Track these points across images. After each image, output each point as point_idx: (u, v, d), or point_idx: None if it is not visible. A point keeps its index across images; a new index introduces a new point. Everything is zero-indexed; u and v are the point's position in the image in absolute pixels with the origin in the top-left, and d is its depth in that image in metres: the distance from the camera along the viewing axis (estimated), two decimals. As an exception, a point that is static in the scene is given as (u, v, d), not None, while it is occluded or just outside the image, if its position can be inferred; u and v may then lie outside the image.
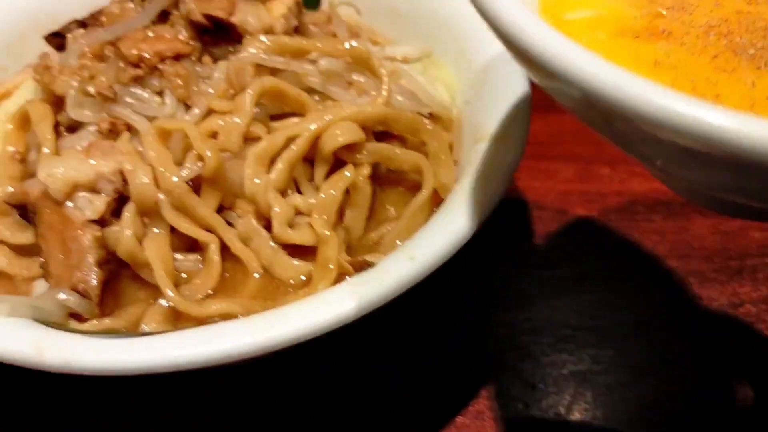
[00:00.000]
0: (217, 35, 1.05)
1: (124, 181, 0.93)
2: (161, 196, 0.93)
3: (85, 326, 0.88)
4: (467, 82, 1.14)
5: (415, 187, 1.04)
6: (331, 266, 0.92)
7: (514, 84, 1.04)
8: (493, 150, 0.96)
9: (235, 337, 0.78)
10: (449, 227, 0.85)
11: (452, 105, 1.14)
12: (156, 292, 0.94)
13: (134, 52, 1.00)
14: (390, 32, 1.27)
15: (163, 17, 1.06)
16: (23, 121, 1.06)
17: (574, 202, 1.30)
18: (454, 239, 0.85)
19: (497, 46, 1.09)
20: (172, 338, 0.79)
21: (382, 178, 1.05)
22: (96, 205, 0.92)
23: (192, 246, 0.97)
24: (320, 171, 1.02)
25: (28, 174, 1.03)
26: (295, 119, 1.03)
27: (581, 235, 1.26)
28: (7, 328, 0.80)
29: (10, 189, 0.98)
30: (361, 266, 0.87)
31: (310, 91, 1.05)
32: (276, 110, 1.05)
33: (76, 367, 0.77)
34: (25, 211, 0.97)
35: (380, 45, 1.23)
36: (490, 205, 0.89)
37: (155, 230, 0.94)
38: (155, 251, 0.92)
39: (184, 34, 1.03)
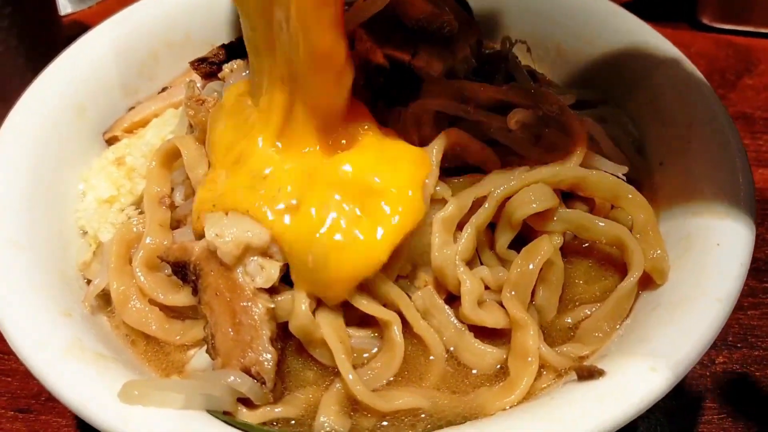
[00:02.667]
0: (392, 78, 0.93)
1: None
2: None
3: (257, 416, 0.77)
4: (660, 139, 1.01)
5: (607, 259, 0.92)
6: (531, 359, 0.80)
7: (729, 148, 0.91)
8: (721, 230, 0.83)
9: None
10: (693, 333, 0.73)
11: (642, 164, 1.01)
12: (326, 372, 0.83)
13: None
14: (558, 75, 1.14)
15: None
16: (168, 158, 0.95)
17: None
18: (700, 347, 0.72)
19: (699, 101, 0.99)
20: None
21: (566, 246, 0.93)
22: (269, 272, 0.81)
23: (363, 319, 0.85)
24: (505, 238, 0.90)
25: (176, 219, 0.93)
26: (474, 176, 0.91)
27: None
28: (186, 428, 0.68)
29: (165, 242, 0.87)
30: (587, 371, 0.74)
31: (491, 142, 0.93)
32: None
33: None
34: (179, 268, 0.86)
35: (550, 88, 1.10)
36: (730, 302, 0.76)
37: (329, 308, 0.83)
38: (331, 329, 0.81)
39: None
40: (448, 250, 0.84)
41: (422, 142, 0.90)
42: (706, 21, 1.70)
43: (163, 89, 1.11)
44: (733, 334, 1.14)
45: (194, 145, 0.92)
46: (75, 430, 1.03)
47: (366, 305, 0.82)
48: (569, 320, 0.87)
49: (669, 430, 1.02)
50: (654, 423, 1.01)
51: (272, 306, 0.80)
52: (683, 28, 1.72)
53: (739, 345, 1.13)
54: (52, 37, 1.43)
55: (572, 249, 0.93)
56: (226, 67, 0.95)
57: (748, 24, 1.67)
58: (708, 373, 1.09)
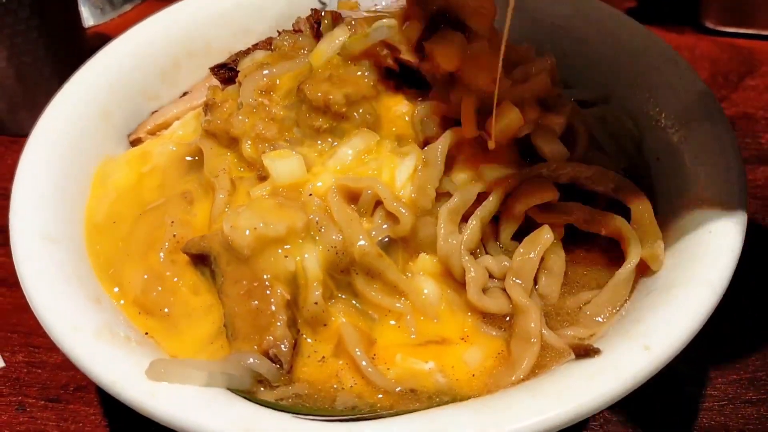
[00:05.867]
0: (402, 79, 0.98)
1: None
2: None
3: (274, 394, 0.82)
4: (656, 135, 1.05)
5: (603, 246, 0.96)
6: (534, 340, 0.84)
7: (723, 143, 0.96)
8: (713, 219, 0.87)
9: (464, 430, 0.70)
10: (686, 314, 0.77)
11: (639, 159, 1.05)
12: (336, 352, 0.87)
13: (320, 95, 0.93)
14: (562, 76, 1.18)
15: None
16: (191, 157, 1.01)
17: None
18: (692, 327, 0.76)
19: (694, 98, 1.04)
20: (396, 426, 0.72)
21: (568, 236, 0.97)
22: (286, 262, 0.86)
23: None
24: (509, 230, 0.95)
25: (193, 214, 0.98)
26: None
27: None
28: (210, 404, 0.73)
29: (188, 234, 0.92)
30: (584, 349, 0.78)
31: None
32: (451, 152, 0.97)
33: (288, 453, 0.70)
34: (201, 259, 0.91)
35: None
36: (721, 285, 0.80)
37: (342, 296, 0.88)
38: (346, 320, 0.86)
39: (369, 77, 0.96)
40: (453, 240, 0.89)
41: (427, 141, 0.95)
42: (709, 24, 1.73)
43: (184, 94, 1.17)
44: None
45: (215, 145, 0.98)
46: (102, 418, 1.08)
47: (375, 297, 0.87)
48: (571, 305, 0.91)
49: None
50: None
51: (288, 297, 0.85)
52: (687, 32, 1.76)
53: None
54: (77, 47, 1.49)
55: (574, 239, 0.97)
56: (242, 71, 1.00)
57: (751, 27, 1.71)
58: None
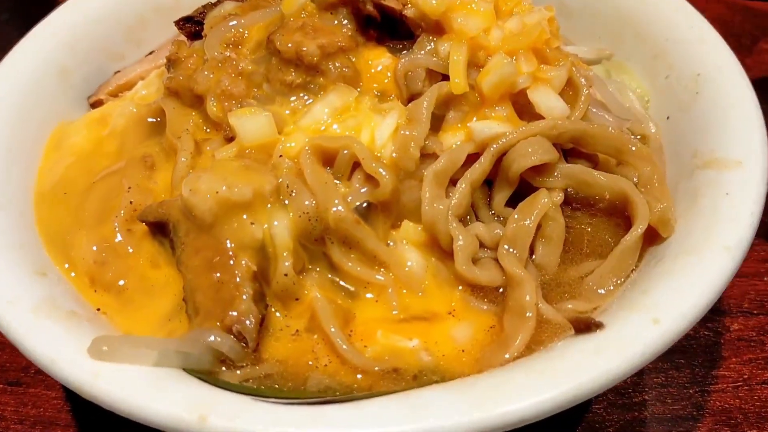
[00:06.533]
0: (383, 30, 0.89)
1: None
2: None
3: (238, 375, 0.73)
4: (666, 92, 0.96)
5: (609, 213, 0.87)
6: (529, 314, 0.75)
7: (740, 96, 0.86)
8: (730, 180, 0.78)
9: (442, 413, 0.62)
10: (699, 283, 0.68)
11: (647, 118, 0.96)
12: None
13: (290, 46, 0.84)
14: (563, 30, 1.09)
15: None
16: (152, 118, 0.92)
17: None
18: (707, 297, 0.67)
19: (707, 49, 0.94)
20: (368, 409, 0.63)
21: (569, 199, 0.88)
22: (253, 229, 0.77)
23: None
24: (502, 195, 0.86)
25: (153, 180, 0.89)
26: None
27: None
28: (159, 386, 0.65)
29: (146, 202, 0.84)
30: (584, 323, 0.70)
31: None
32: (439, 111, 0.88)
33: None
34: (160, 227, 0.82)
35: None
36: (740, 251, 0.71)
37: (316, 268, 0.79)
38: (320, 294, 0.77)
39: (347, 27, 0.87)
40: (439, 205, 0.80)
41: (412, 98, 0.86)
42: (720, -15, 1.64)
43: (150, 53, 1.08)
44: (749, 300, 1.09)
45: (177, 105, 0.89)
46: (64, 402, 1.02)
47: (353, 270, 0.79)
48: (572, 276, 0.82)
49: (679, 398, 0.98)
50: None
51: (254, 267, 0.76)
52: (698, -6, 1.67)
53: (755, 312, 1.08)
54: (45, 10, 1.41)
55: (576, 205, 0.88)
56: (207, 22, 0.91)
57: (765, -12, 1.62)
58: (722, 341, 1.04)
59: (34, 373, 1.04)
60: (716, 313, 1.07)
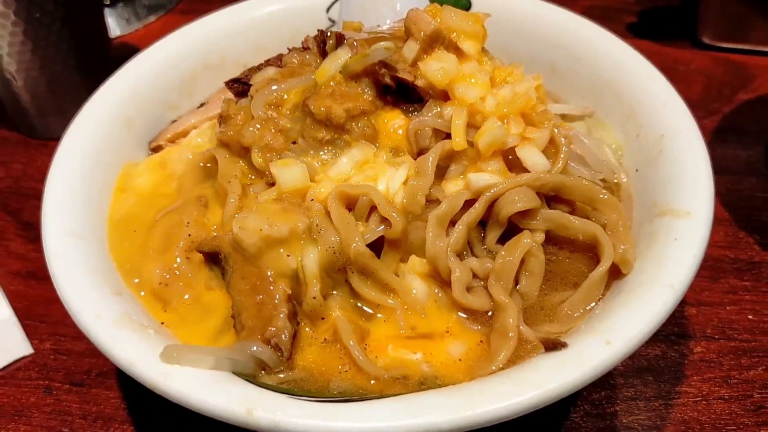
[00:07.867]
0: (398, 95, 1.07)
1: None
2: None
3: (275, 378, 0.91)
4: (636, 148, 1.13)
5: (585, 250, 1.04)
6: (511, 335, 0.92)
7: (695, 156, 1.03)
8: (680, 227, 0.95)
9: (438, 412, 0.79)
10: (646, 313, 0.85)
11: (620, 170, 1.13)
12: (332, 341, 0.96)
13: (323, 110, 1.02)
14: (552, 90, 1.27)
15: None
16: (205, 164, 1.11)
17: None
18: (651, 325, 0.84)
19: (671, 114, 1.12)
20: (379, 407, 0.80)
21: (552, 238, 1.05)
22: (288, 260, 0.95)
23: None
24: (493, 234, 1.03)
25: (207, 217, 1.07)
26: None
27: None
28: (215, 385, 0.83)
29: (202, 235, 1.02)
30: (552, 343, 0.87)
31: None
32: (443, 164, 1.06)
33: (284, 429, 0.79)
34: (213, 256, 1.01)
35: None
36: (682, 288, 0.88)
37: (338, 293, 0.97)
38: (342, 314, 0.95)
39: (369, 93, 1.05)
40: (440, 242, 0.98)
41: (420, 152, 1.04)
42: (706, 40, 1.81)
43: (201, 105, 1.27)
44: (711, 327, 1.25)
45: (227, 153, 1.08)
46: (121, 402, 1.17)
47: (367, 294, 0.96)
48: (553, 302, 0.99)
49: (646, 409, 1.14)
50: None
51: (289, 291, 0.94)
52: (685, 47, 1.83)
53: (716, 337, 1.23)
54: (103, 57, 1.60)
55: (558, 243, 1.05)
56: (254, 85, 1.10)
57: (746, 43, 1.78)
58: (686, 361, 1.20)
59: (95, 375, 1.20)
60: (682, 337, 1.23)
